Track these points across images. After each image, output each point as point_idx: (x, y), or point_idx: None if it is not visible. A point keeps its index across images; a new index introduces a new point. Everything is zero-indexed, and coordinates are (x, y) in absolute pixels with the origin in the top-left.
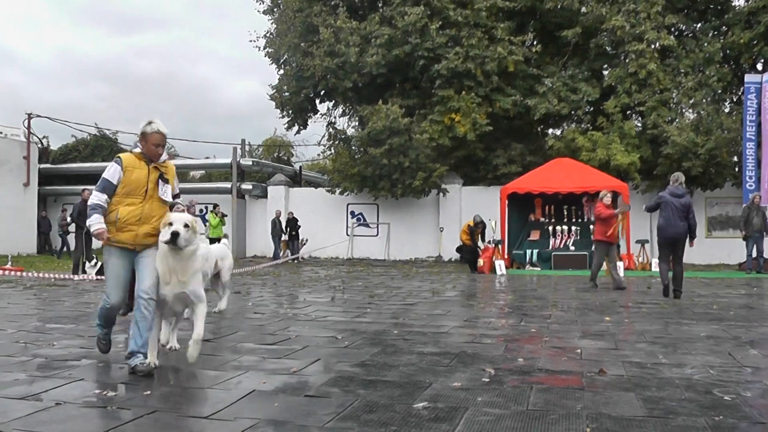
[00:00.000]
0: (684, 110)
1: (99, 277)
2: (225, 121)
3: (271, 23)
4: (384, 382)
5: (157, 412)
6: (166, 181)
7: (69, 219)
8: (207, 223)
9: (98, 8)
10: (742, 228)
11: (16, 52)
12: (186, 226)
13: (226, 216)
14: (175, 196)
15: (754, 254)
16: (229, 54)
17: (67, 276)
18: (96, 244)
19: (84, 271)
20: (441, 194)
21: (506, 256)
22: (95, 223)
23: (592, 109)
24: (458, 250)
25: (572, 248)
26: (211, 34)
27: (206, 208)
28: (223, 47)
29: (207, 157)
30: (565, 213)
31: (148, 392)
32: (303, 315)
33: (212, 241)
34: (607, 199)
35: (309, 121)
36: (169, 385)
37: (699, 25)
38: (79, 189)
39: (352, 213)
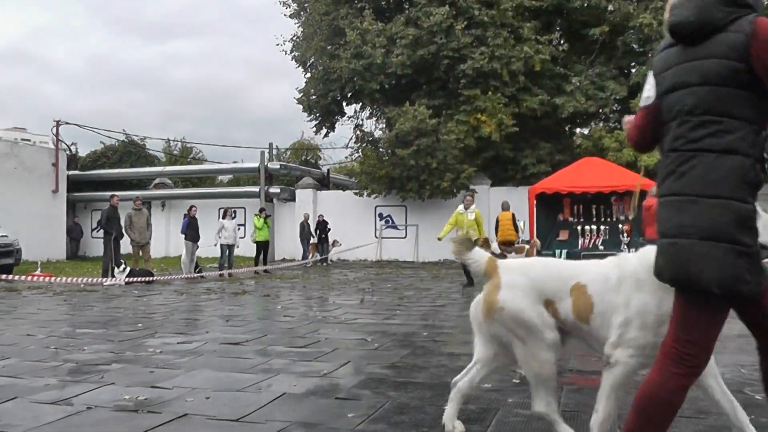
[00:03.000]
0: None
1: (128, 280)
2: (257, 126)
3: (298, 27)
4: (414, 384)
5: (188, 416)
6: None
7: (98, 225)
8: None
9: (135, 17)
10: None
11: (51, 61)
12: None
13: (270, 216)
14: None
15: None
16: (262, 59)
17: (97, 280)
18: (125, 249)
19: (113, 276)
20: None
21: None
22: None
23: (620, 107)
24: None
25: (601, 248)
26: (245, 39)
27: (234, 212)
28: (256, 52)
29: (235, 162)
30: (594, 212)
31: (179, 395)
32: (332, 317)
33: (258, 245)
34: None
35: (336, 123)
36: (199, 388)
37: None
38: (107, 195)
39: (381, 215)
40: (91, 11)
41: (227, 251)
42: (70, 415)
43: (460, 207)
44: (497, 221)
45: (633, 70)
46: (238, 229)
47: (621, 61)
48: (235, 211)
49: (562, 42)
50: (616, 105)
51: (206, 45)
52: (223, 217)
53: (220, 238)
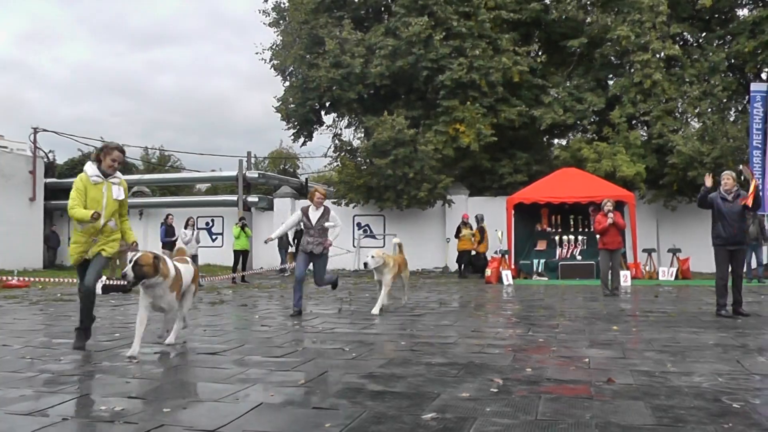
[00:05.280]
0: (689, 119)
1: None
2: (239, 135)
3: (277, 35)
4: (392, 394)
5: (164, 426)
6: None
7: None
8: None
9: (121, 24)
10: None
11: (34, 69)
12: None
13: (247, 225)
14: None
15: (754, 264)
16: (247, 68)
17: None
18: None
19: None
20: (447, 205)
21: (513, 266)
22: None
23: (597, 118)
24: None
25: (579, 258)
26: (231, 49)
27: (212, 221)
28: (241, 62)
29: (213, 170)
30: (572, 223)
31: (156, 406)
32: (310, 327)
33: (236, 253)
34: (608, 207)
35: (314, 132)
36: (176, 398)
37: (704, 34)
38: None
39: (359, 224)
40: (78, 19)
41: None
42: (46, 426)
43: (92, 170)
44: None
45: (611, 82)
46: (215, 239)
47: (599, 73)
48: (210, 222)
49: (540, 53)
50: (593, 117)
51: (191, 53)
52: (185, 227)
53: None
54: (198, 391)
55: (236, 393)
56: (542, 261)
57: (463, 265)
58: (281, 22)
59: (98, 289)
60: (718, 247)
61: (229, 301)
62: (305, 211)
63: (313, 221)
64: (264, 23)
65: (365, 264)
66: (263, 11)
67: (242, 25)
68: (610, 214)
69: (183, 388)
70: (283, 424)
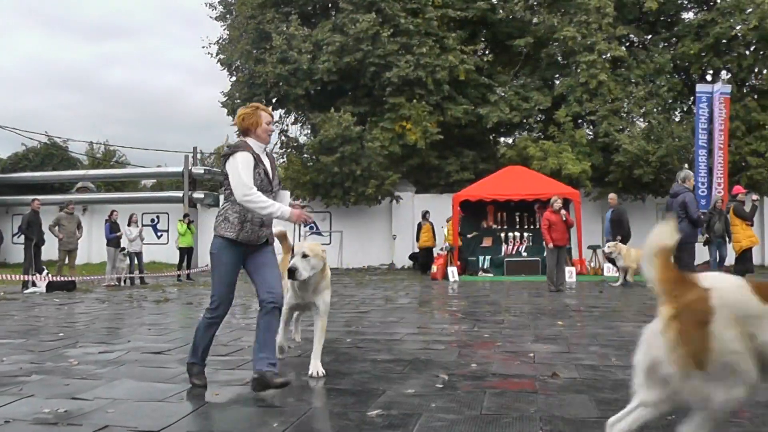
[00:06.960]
0: (635, 119)
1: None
2: (187, 130)
3: (224, 30)
4: (337, 391)
5: (109, 427)
6: None
7: (18, 230)
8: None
9: (71, 17)
10: (703, 232)
11: None
12: None
13: (193, 222)
14: None
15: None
16: (198, 63)
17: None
18: (46, 255)
19: (33, 284)
20: (394, 202)
21: (459, 263)
22: None
23: (543, 117)
24: (416, 257)
25: (524, 254)
26: (181, 43)
27: (157, 217)
28: (192, 56)
29: (159, 166)
30: (517, 220)
31: (100, 407)
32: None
33: (181, 251)
34: (557, 205)
35: None
36: (121, 399)
37: (650, 36)
38: (29, 199)
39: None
40: (27, 11)
41: (134, 259)
42: None
43: None
44: (419, 228)
45: (557, 82)
46: (160, 236)
47: (545, 72)
48: (155, 219)
49: (486, 52)
50: (540, 115)
51: (140, 47)
52: (128, 225)
53: (130, 245)
54: (143, 391)
55: (181, 392)
56: (488, 257)
57: (416, 263)
58: (228, 16)
59: (42, 288)
60: (692, 246)
61: (174, 299)
62: (259, 158)
63: (272, 175)
64: (211, 17)
65: (292, 273)
66: (210, 4)
67: (193, 19)
68: (563, 211)
69: (128, 388)
70: (229, 423)
